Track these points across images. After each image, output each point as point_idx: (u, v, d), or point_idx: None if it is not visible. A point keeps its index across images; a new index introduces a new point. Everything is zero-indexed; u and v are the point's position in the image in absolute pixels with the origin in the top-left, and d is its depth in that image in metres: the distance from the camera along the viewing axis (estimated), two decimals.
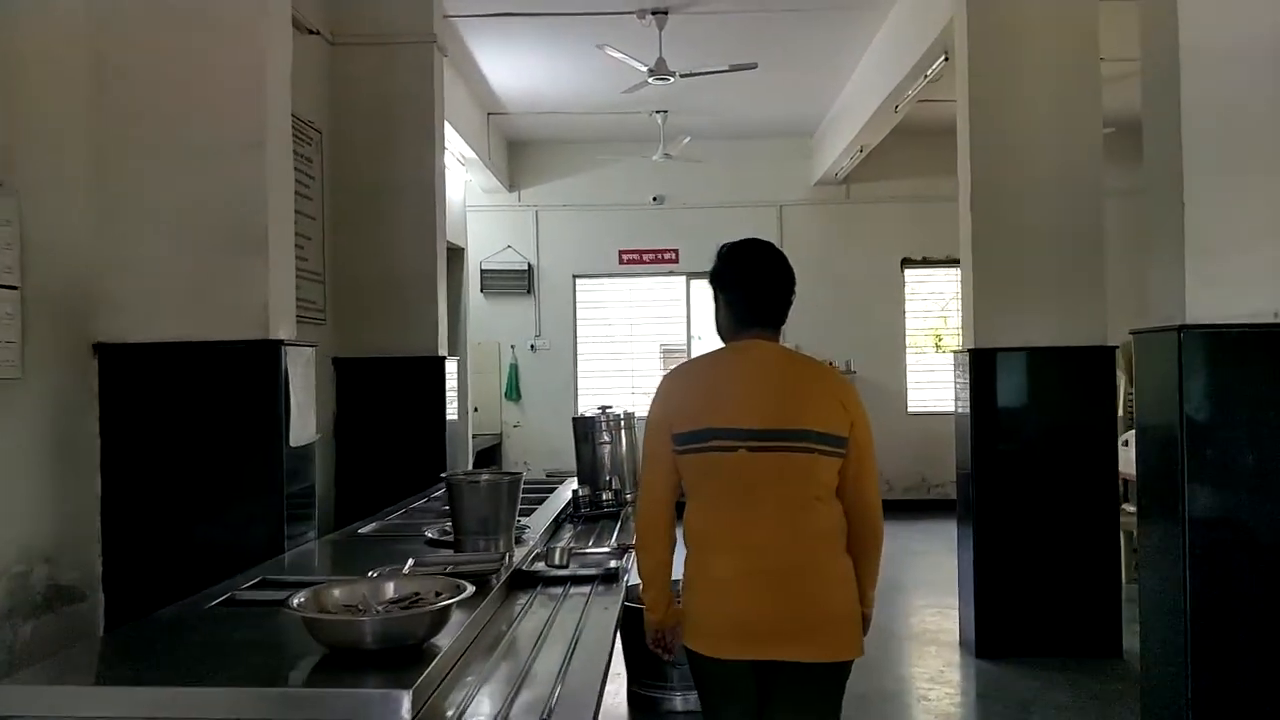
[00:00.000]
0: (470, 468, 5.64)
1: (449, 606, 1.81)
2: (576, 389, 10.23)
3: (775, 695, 2.33)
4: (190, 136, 2.98)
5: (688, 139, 8.67)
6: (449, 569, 2.34)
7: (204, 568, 2.65)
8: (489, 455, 9.91)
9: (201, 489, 2.96)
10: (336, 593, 1.87)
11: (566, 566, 2.79)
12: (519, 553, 2.74)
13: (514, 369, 10.18)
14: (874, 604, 2.47)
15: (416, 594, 1.90)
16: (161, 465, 2.95)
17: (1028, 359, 5.11)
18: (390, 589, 1.93)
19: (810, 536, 2.31)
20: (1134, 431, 3.32)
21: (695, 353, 10.42)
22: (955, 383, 5.40)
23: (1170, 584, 2.83)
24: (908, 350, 10.46)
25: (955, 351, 5.50)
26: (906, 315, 10.45)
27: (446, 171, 7.36)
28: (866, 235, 10.25)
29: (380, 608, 1.82)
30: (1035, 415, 5.12)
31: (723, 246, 2.56)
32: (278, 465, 3.01)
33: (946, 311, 10.62)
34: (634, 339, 10.51)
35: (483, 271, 10.04)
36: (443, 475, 2.93)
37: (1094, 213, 5.08)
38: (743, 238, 2.57)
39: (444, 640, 1.81)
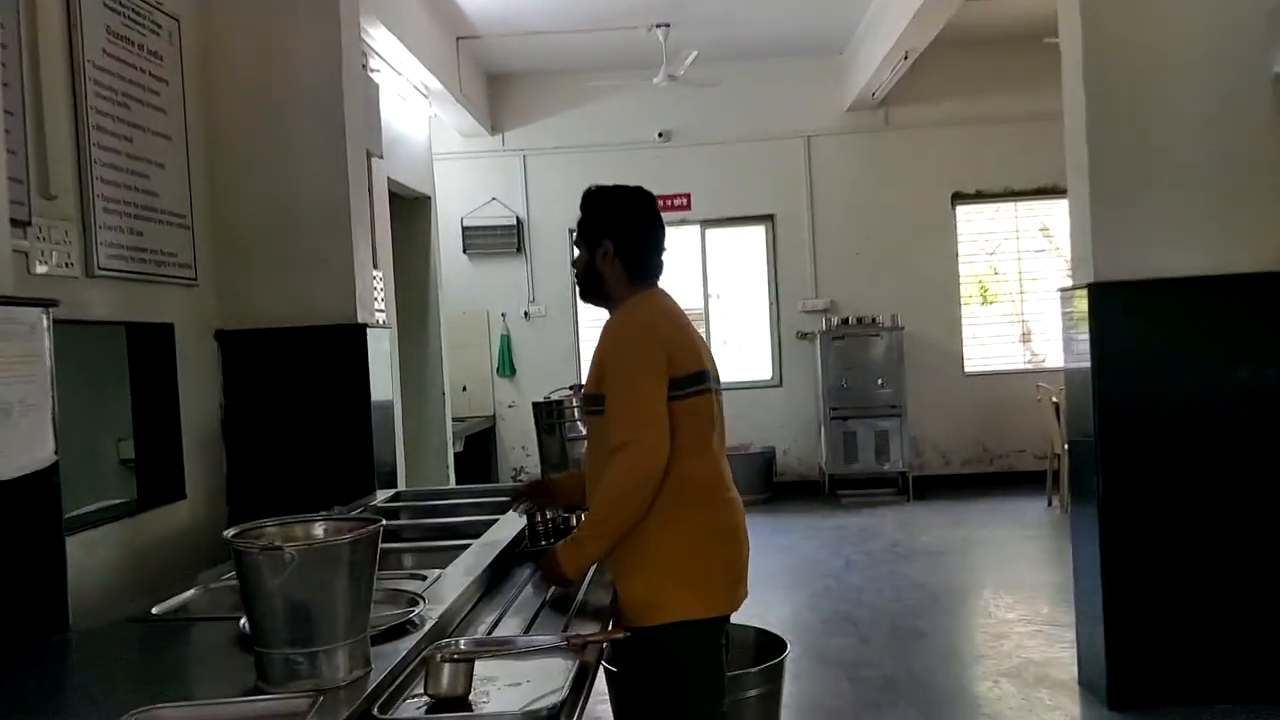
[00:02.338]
0: (401, 479, 4.27)
1: None
2: (580, 361, 8.86)
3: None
4: None
5: (693, 55, 7.21)
6: None
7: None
8: (482, 440, 8.59)
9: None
10: None
11: (466, 698, 1.54)
12: (374, 674, 1.55)
13: (505, 340, 8.81)
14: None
15: None
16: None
17: (1178, 292, 3.70)
18: None
19: None
20: None
21: (715, 315, 9.03)
22: (1066, 330, 3.99)
23: None
24: (963, 301, 9.00)
25: (1065, 290, 4.08)
26: (960, 259, 8.98)
27: (396, 96, 5.97)
28: (910, 167, 8.78)
29: None
30: (1191, 367, 3.71)
31: (604, 190, 2.49)
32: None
33: (1000, 254, 9.14)
34: None
35: (464, 229, 8.66)
36: (229, 534, 1.58)
37: (1260, 100, 3.65)
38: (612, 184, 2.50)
39: None
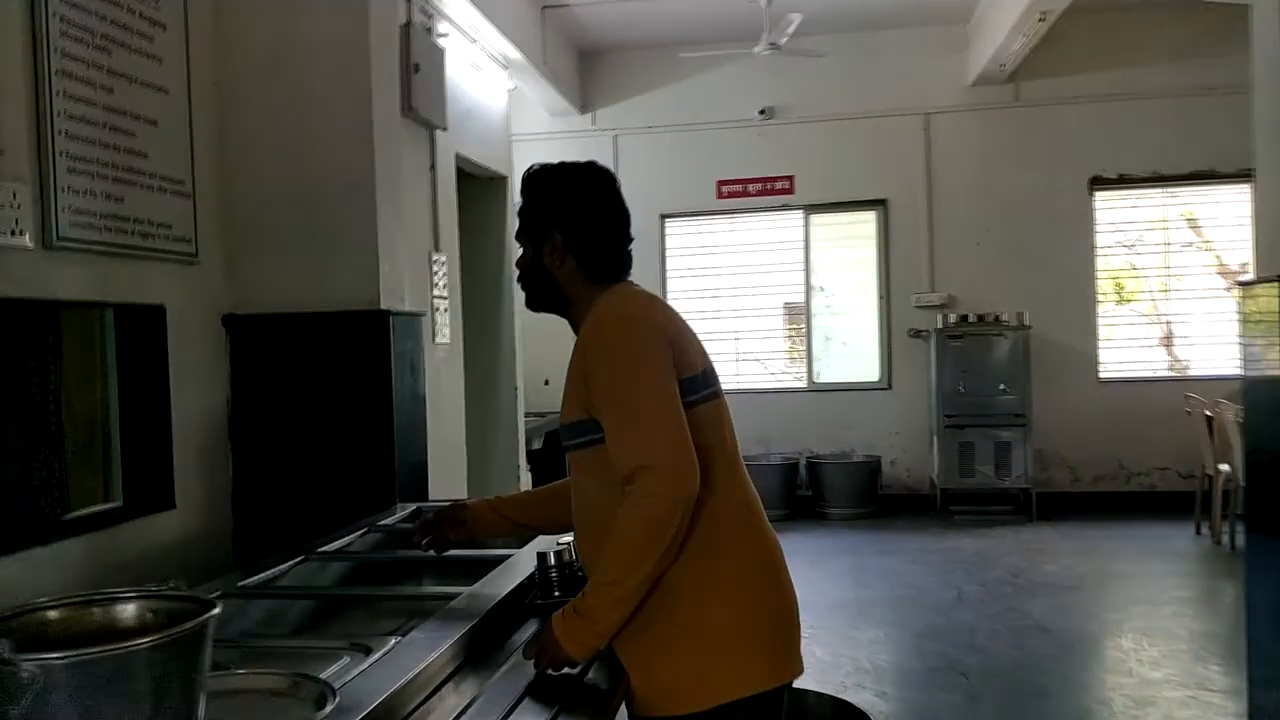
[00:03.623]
0: (427, 493, 3.70)
1: None
2: None
3: None
4: None
5: (798, 19, 6.50)
6: None
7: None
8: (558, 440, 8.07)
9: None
10: None
11: None
12: None
13: None
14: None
15: None
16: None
17: None
18: None
19: None
20: None
21: (817, 309, 8.30)
22: (1247, 331, 3.20)
23: None
24: (1099, 299, 8.04)
25: (1246, 283, 3.27)
26: (1097, 253, 8.01)
27: (469, 66, 5.47)
28: (1042, 148, 7.88)
29: None
30: None
31: (546, 170, 1.98)
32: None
33: (1139, 247, 8.13)
34: (740, 293, 8.43)
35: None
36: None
37: None
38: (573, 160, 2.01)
39: None
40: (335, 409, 3.20)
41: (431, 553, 2.25)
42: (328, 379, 3.22)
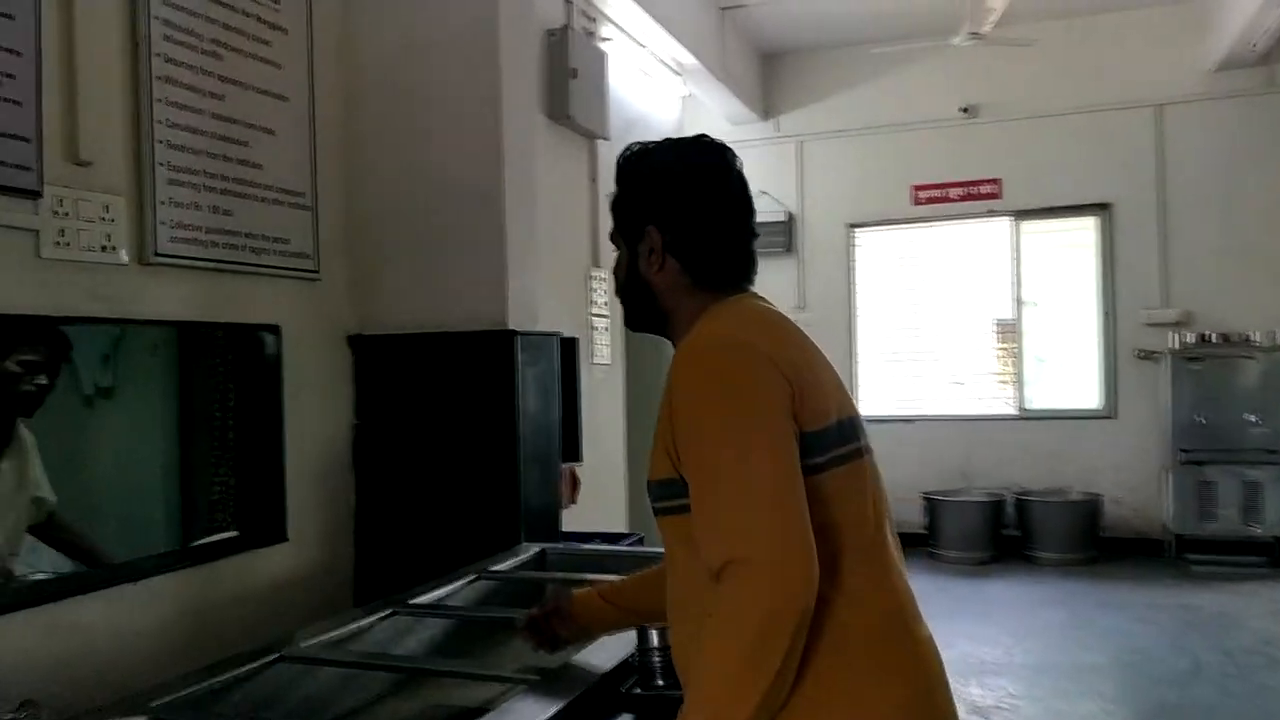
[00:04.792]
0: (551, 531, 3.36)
1: None
2: (854, 377, 7.66)
3: None
4: None
5: (1003, 5, 5.83)
6: None
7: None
8: None
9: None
10: None
11: None
12: None
13: None
14: None
15: None
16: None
17: None
18: None
19: None
20: None
21: (1028, 326, 7.48)
22: None
23: None
24: None
25: None
26: None
27: (638, 73, 5.16)
28: None
29: None
30: None
31: (646, 151, 1.57)
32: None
33: None
34: (940, 309, 7.72)
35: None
36: None
37: None
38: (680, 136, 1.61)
39: None
40: (458, 438, 2.95)
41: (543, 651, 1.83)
42: (451, 405, 2.97)
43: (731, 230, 1.52)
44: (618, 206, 1.57)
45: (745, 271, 1.54)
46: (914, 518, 7.30)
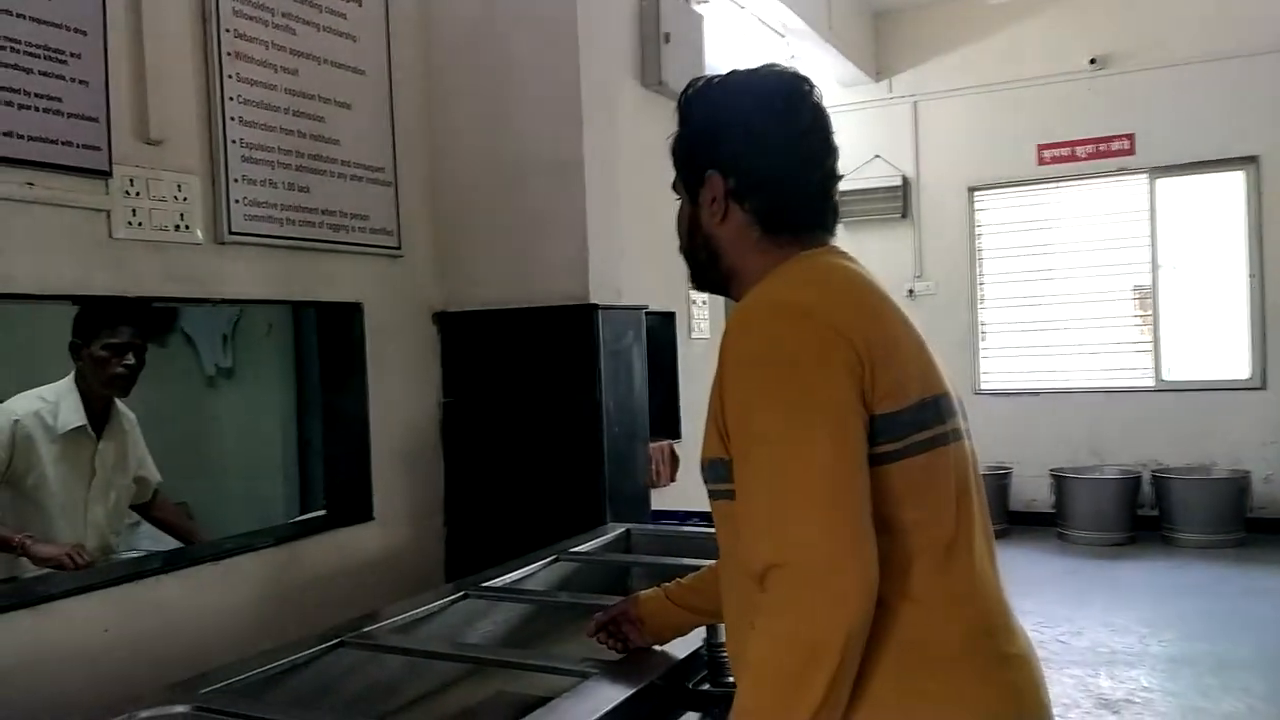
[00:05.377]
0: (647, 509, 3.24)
1: None
2: (977, 352, 7.29)
3: None
4: None
5: None
6: None
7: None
8: None
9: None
10: None
11: None
12: None
13: None
14: None
15: None
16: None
17: None
18: None
19: None
20: None
21: (1167, 292, 6.96)
22: None
23: None
24: None
25: None
26: None
27: (698, 17, 4.95)
28: None
29: None
30: None
31: (710, 85, 1.38)
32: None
33: None
34: (1069, 275, 7.25)
35: (840, 194, 7.46)
36: None
37: None
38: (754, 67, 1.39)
39: None
40: (542, 416, 2.87)
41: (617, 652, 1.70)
42: (536, 382, 2.89)
43: (806, 172, 1.33)
44: (677, 151, 1.40)
45: (821, 220, 1.36)
46: (1042, 496, 6.92)
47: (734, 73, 1.38)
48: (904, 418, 1.16)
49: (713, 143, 1.33)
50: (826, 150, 1.34)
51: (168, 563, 2.26)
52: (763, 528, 1.10)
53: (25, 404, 2.65)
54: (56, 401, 2.65)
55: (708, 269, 1.40)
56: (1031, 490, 7.05)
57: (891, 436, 1.15)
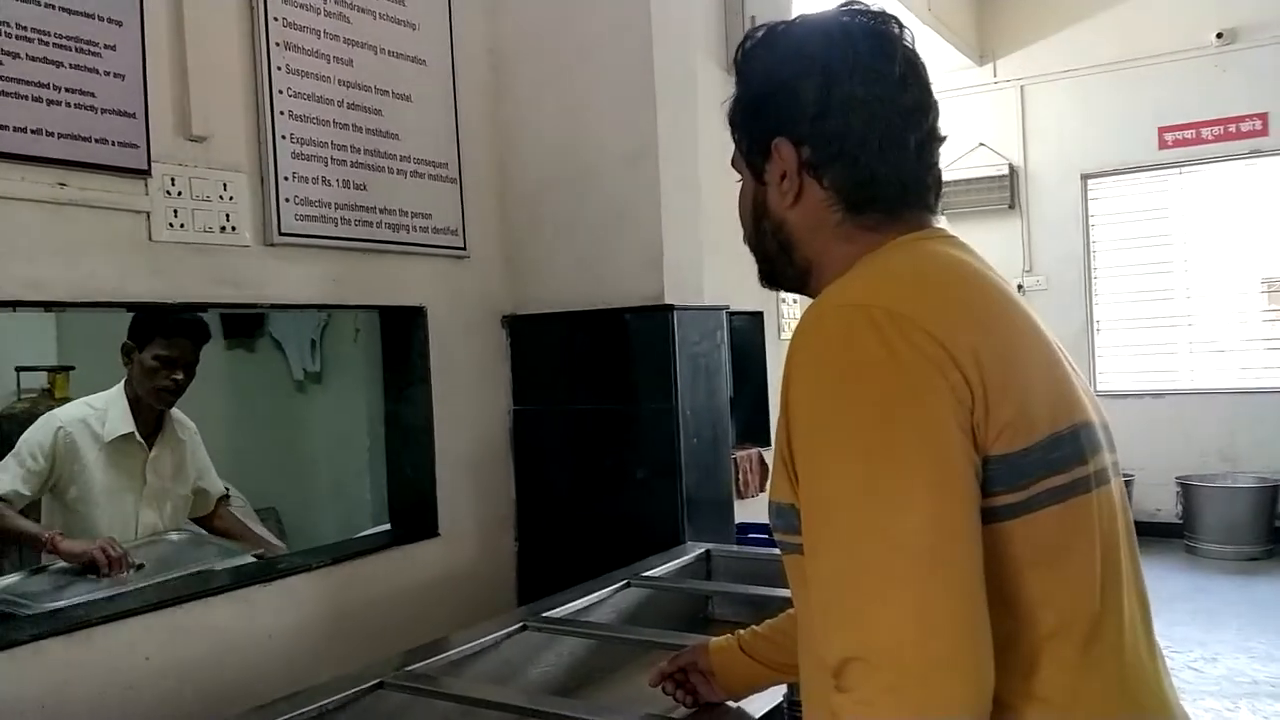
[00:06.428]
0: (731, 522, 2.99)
1: None
2: (1092, 349, 6.82)
3: None
4: None
5: None
6: None
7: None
8: None
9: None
10: None
11: None
12: None
13: None
14: None
15: None
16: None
17: None
18: None
19: None
20: None
21: None
22: None
23: None
24: None
25: None
26: None
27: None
28: None
29: None
30: None
31: (773, 34, 1.11)
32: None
33: None
34: (1195, 267, 6.73)
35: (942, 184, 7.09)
36: None
37: None
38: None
39: None
40: (616, 424, 2.67)
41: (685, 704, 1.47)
42: (609, 388, 2.69)
43: (901, 132, 1.04)
44: (735, 118, 1.13)
45: (921, 194, 1.07)
46: (1167, 506, 6.42)
47: (801, 17, 1.11)
48: (1030, 459, 0.89)
49: (780, 103, 1.06)
50: (926, 106, 1.05)
51: (217, 584, 2.13)
52: (836, 613, 0.86)
53: (73, 411, 2.58)
54: (105, 408, 2.57)
55: (778, 262, 1.12)
56: (1155, 499, 6.54)
57: (1012, 485, 0.89)
